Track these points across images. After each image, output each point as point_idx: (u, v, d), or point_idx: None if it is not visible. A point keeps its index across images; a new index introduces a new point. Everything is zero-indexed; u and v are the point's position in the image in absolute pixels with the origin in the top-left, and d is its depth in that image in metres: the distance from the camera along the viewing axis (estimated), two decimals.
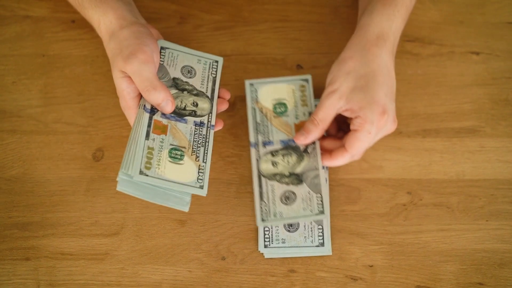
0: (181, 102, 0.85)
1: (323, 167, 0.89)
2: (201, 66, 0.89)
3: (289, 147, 0.88)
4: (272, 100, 0.90)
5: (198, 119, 0.84)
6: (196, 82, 0.87)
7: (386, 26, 0.86)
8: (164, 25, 0.99)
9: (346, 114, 0.83)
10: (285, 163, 0.87)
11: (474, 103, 0.97)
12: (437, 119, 0.96)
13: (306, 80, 0.91)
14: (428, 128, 0.95)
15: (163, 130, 0.82)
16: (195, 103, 0.85)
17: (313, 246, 0.87)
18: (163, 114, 0.83)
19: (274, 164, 0.87)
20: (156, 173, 0.79)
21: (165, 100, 0.82)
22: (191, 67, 0.88)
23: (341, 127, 0.89)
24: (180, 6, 1.02)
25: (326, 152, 0.86)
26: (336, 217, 0.90)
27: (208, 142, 0.84)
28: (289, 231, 0.88)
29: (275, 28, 1.01)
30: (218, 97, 0.88)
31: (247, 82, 0.92)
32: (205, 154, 0.82)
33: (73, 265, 0.86)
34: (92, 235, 0.88)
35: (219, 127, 0.86)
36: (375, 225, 0.90)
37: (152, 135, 0.81)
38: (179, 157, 0.81)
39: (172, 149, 0.81)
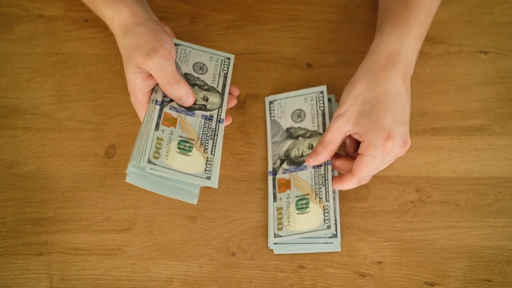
0: None
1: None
2: (213, 63, 0.90)
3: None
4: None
5: (207, 113, 0.86)
6: (207, 78, 0.88)
7: (396, 46, 0.85)
8: (176, 24, 1.00)
9: (355, 137, 0.84)
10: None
11: (482, 101, 0.98)
12: (445, 118, 0.97)
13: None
14: (437, 126, 0.96)
15: (172, 122, 0.83)
16: (205, 98, 0.87)
17: (326, 238, 0.88)
18: (173, 107, 0.84)
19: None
20: (164, 163, 0.80)
21: (187, 94, 0.84)
22: (203, 64, 0.89)
23: (357, 148, 0.88)
24: (191, 6, 1.03)
25: (338, 176, 0.87)
26: (345, 213, 0.91)
27: (217, 135, 0.84)
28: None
29: (285, 27, 1.02)
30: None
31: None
32: (213, 147, 0.83)
33: (86, 260, 0.87)
34: (104, 231, 0.89)
35: (228, 121, 0.88)
36: (383, 222, 0.90)
37: (162, 127, 0.82)
38: (188, 149, 0.82)
39: (181, 141, 0.82)
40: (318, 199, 0.88)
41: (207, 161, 0.82)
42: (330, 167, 0.88)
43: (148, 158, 0.79)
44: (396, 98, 0.83)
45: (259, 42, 1.01)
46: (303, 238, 0.88)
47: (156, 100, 0.84)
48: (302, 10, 1.03)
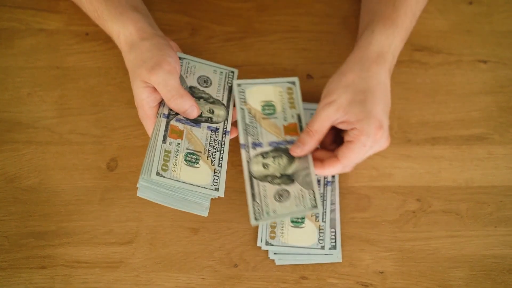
0: None
1: (332, 176, 0.90)
2: (217, 76, 0.91)
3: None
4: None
5: (213, 125, 0.86)
6: (212, 91, 0.89)
7: (385, 45, 0.87)
8: (177, 37, 1.00)
9: (342, 126, 0.83)
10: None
11: (482, 111, 0.98)
12: (445, 127, 0.97)
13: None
14: (437, 136, 0.96)
15: (179, 134, 0.84)
16: (211, 110, 0.87)
17: (325, 249, 0.88)
18: (178, 119, 0.85)
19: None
20: (172, 175, 0.81)
21: (191, 107, 0.85)
22: (207, 77, 0.90)
23: (335, 139, 0.88)
24: (192, 18, 1.03)
25: (318, 160, 0.85)
26: (347, 224, 0.91)
27: (224, 147, 0.85)
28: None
29: (285, 39, 1.03)
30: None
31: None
32: (220, 159, 0.84)
33: (88, 273, 0.88)
34: (107, 244, 0.89)
35: (234, 134, 0.88)
36: (385, 232, 0.91)
37: (169, 139, 0.83)
38: (195, 161, 0.83)
39: (187, 153, 0.83)
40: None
41: (214, 173, 0.83)
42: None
43: (157, 170, 0.80)
44: (385, 93, 0.85)
45: (259, 54, 1.01)
46: (303, 248, 0.88)
47: (163, 114, 0.85)
48: (301, 22, 1.04)
